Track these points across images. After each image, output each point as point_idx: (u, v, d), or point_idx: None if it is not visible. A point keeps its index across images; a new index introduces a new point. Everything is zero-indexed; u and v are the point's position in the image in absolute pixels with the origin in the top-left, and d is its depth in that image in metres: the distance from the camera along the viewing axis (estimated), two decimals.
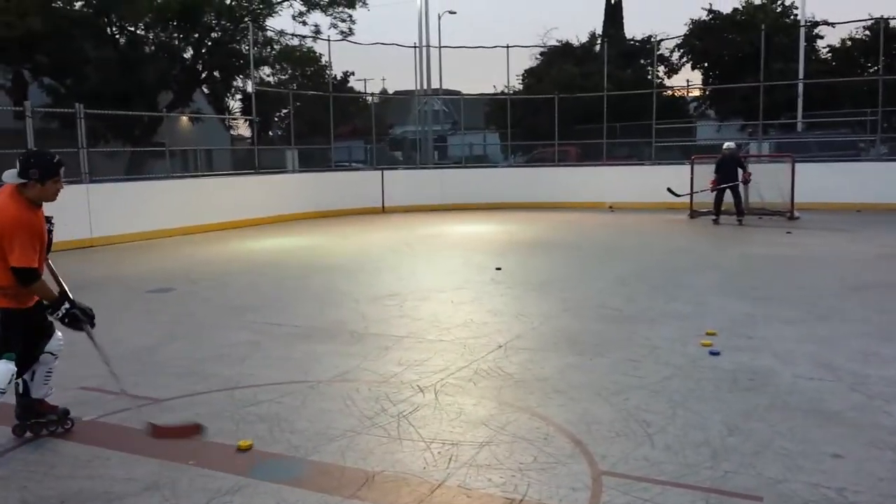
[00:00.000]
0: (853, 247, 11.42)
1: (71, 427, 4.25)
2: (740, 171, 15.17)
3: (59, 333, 4.16)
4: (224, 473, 3.65)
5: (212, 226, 15.13)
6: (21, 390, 4.10)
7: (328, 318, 7.14)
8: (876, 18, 22.05)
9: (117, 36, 23.95)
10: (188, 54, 25.31)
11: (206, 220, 15.06)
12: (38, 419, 4.17)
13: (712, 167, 15.76)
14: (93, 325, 4.05)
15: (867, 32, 24.61)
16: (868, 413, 4.32)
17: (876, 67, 22.29)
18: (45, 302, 3.93)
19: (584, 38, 30.96)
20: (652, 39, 26.29)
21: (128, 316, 7.29)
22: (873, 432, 4.02)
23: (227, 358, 5.74)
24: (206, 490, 3.48)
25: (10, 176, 3.82)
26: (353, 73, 29.89)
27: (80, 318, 3.97)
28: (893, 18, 22.36)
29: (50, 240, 4.01)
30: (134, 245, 12.98)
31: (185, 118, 26.55)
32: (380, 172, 20.32)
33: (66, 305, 3.94)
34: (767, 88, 20.96)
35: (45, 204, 3.95)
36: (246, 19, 23.10)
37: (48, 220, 3.99)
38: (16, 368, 3.83)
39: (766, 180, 15.24)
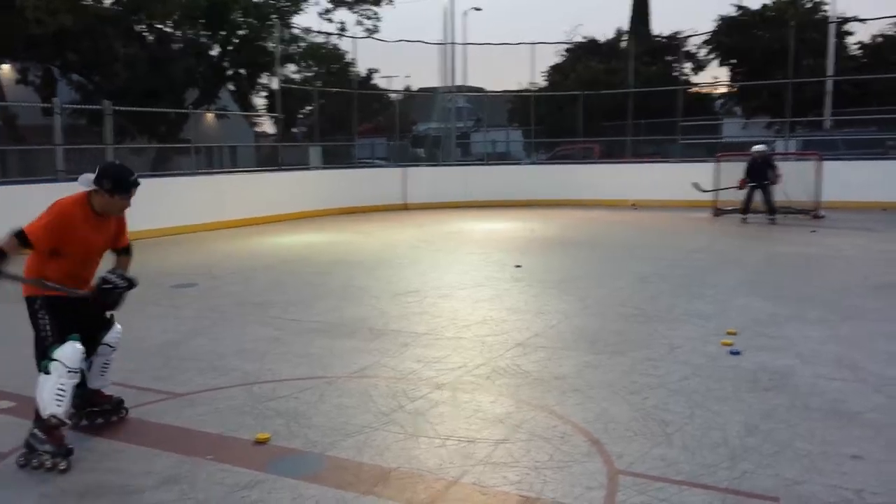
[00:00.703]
0: (879, 246, 11.25)
1: (125, 416, 4.37)
2: (770, 173, 14.97)
3: (118, 326, 4.26)
4: (242, 468, 3.69)
5: (235, 222, 15.27)
6: (79, 381, 4.13)
7: (348, 314, 7.18)
8: None
9: (145, 34, 24.21)
10: (215, 52, 25.52)
11: (229, 216, 15.20)
12: (93, 408, 4.27)
13: (737, 165, 15.60)
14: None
15: None
16: (889, 414, 4.27)
17: None
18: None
19: (611, 35, 30.79)
20: (679, 35, 26.09)
21: (152, 311, 7.38)
22: (894, 434, 3.97)
23: (248, 353, 5.80)
24: (223, 484, 3.52)
25: (85, 180, 3.92)
26: (377, 71, 29.94)
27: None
28: None
29: (111, 296, 4.05)
30: (158, 240, 13.13)
31: (210, 115, 26.79)
32: (402, 169, 20.36)
33: None
34: (796, 85, 20.68)
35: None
36: (273, 17, 23.24)
37: (111, 287, 4.01)
38: (82, 347, 3.84)
39: (792, 178, 15.03)
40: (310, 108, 24.86)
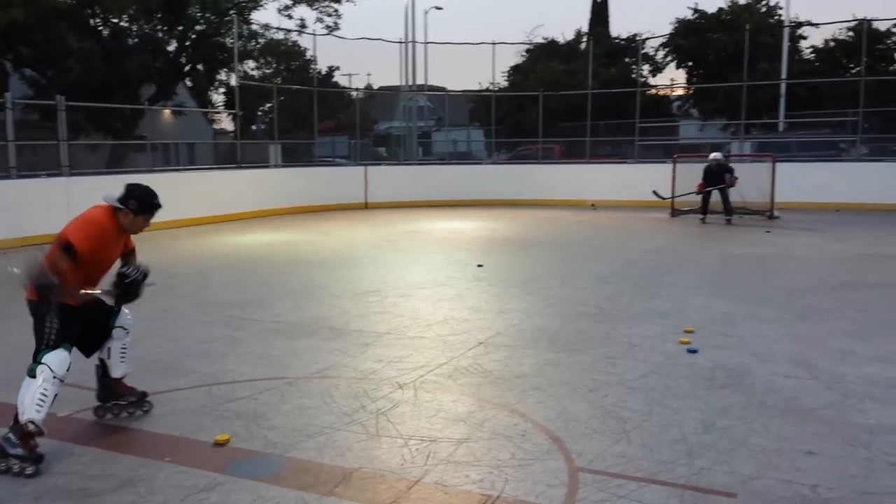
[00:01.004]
0: (832, 246, 11.53)
1: (149, 410, 4.41)
2: (727, 176, 15.27)
3: (126, 310, 4.29)
4: (201, 470, 3.63)
5: (193, 220, 15.04)
6: (101, 372, 4.27)
7: (309, 314, 7.12)
8: (859, 20, 22.24)
9: (100, 28, 23.73)
10: (172, 47, 25.13)
11: (186, 215, 14.95)
12: (118, 401, 4.31)
13: (695, 166, 15.90)
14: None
15: (850, 33, 24.81)
16: (843, 411, 4.37)
17: (858, 68, 22.47)
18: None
19: (571, 36, 31.06)
20: (637, 38, 26.41)
21: None
22: (847, 430, 4.07)
23: (207, 354, 5.71)
24: (182, 487, 3.46)
25: (111, 198, 4.01)
26: (338, 68, 29.73)
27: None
28: (876, 20, 22.57)
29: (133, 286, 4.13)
30: None
31: (167, 111, 26.37)
32: (363, 168, 20.27)
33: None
34: (750, 88, 21.11)
35: None
36: (231, 12, 22.95)
37: (130, 282, 4.11)
38: (69, 360, 3.80)
39: (747, 180, 15.36)
40: (269, 105, 24.63)
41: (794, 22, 25.56)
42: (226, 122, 33.31)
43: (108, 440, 4.02)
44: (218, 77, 27.03)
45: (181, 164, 21.80)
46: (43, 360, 3.70)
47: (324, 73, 28.70)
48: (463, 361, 5.44)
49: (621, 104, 23.01)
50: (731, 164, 15.75)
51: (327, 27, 25.53)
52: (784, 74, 24.04)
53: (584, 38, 30.13)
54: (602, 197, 19.33)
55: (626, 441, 3.95)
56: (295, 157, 21.53)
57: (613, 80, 25.49)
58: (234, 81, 21.44)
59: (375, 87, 33.26)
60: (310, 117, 20.77)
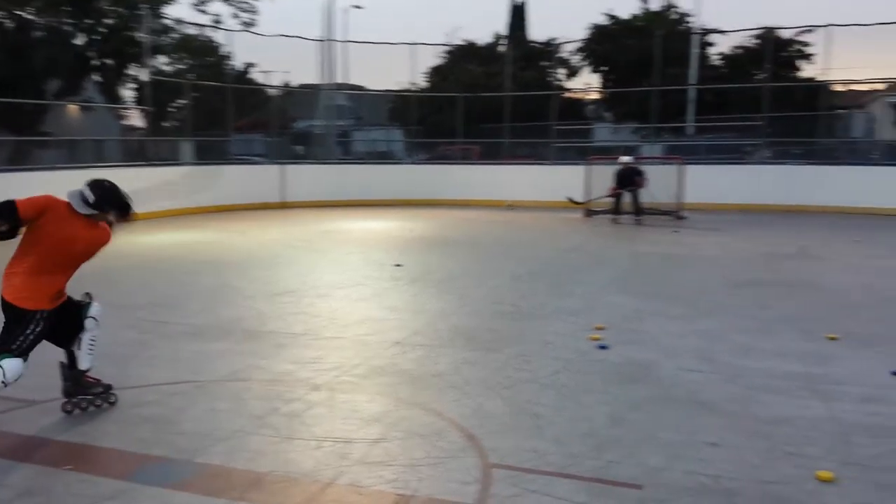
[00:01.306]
0: (737, 245, 12.03)
1: (115, 402, 4.44)
2: (637, 178, 15.73)
3: (96, 302, 4.34)
4: (104, 478, 3.51)
5: None
6: (67, 365, 4.29)
7: (221, 315, 6.96)
8: (764, 28, 23.28)
9: (4, 20, 22.55)
10: (80, 41, 24.11)
11: None
12: (85, 395, 4.34)
13: (609, 168, 16.32)
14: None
15: (756, 41, 25.89)
16: (744, 403, 4.57)
17: (763, 75, 23.51)
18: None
19: (490, 39, 31.32)
20: (554, 42, 26.88)
21: None
22: (748, 422, 4.25)
23: (112, 358, 5.48)
24: (83, 496, 3.33)
25: (76, 201, 3.95)
26: (254, 65, 29.11)
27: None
28: (780, 28, 23.61)
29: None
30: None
31: (74, 107, 25.28)
32: (281, 167, 19.95)
33: None
34: (661, 93, 21.81)
35: None
36: (142, 6, 22.18)
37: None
38: (22, 371, 3.83)
39: (657, 181, 15.87)
40: (182, 101, 23.92)
41: (703, 29, 26.51)
42: (136, 119, 32.19)
43: (5, 448, 3.83)
44: (128, 72, 26.06)
45: (88, 161, 20.91)
46: (2, 363, 3.74)
47: (240, 69, 28.09)
48: (379, 361, 5.43)
49: (538, 107, 23.39)
50: (641, 167, 16.24)
51: (244, 23, 25.01)
52: (693, 80, 24.92)
53: (503, 42, 30.45)
54: (519, 197, 19.60)
55: (539, 436, 4.02)
56: (209, 154, 20.98)
57: (531, 82, 25.86)
58: (145, 77, 20.68)
59: (294, 84, 32.74)
60: (225, 114, 20.29)
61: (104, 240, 4.14)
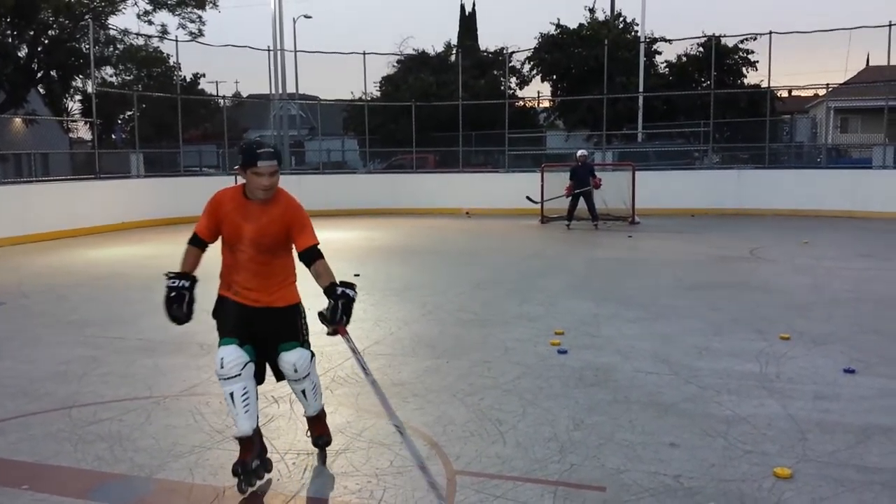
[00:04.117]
0: (688, 249, 12.27)
1: None
2: (591, 179, 15.92)
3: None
4: (62, 497, 3.42)
5: (47, 234, 14.09)
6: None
7: (174, 330, 6.72)
8: (708, 36, 23.84)
9: None
10: (22, 52, 23.53)
11: (40, 229, 14.01)
12: None
13: (562, 175, 16.52)
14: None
15: (701, 49, 26.49)
16: (701, 404, 4.65)
17: (708, 82, 24.05)
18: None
19: (440, 48, 31.46)
20: (504, 51, 27.12)
21: None
22: (705, 422, 4.33)
23: (64, 375, 5.36)
24: None
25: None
26: (203, 76, 28.81)
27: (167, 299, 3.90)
28: (724, 36, 24.17)
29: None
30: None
31: (18, 120, 24.65)
32: (233, 178, 19.67)
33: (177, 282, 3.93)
34: (610, 101, 22.18)
35: None
36: (87, 17, 21.77)
37: None
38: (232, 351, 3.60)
39: (610, 187, 16.11)
40: (130, 113, 23.50)
41: (650, 38, 27.04)
42: (83, 131, 31.50)
43: None
44: (73, 84, 25.54)
45: (34, 175, 20.40)
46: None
47: (188, 80, 27.74)
48: (340, 372, 5.39)
49: (491, 115, 23.58)
50: (595, 169, 16.46)
51: (191, 33, 24.73)
52: (641, 88, 25.39)
53: (454, 51, 30.62)
54: (476, 205, 19.71)
55: (502, 442, 4.03)
56: (159, 166, 20.64)
57: (483, 91, 26.07)
58: (90, 88, 20.28)
59: (245, 95, 32.45)
60: (174, 125, 19.99)
61: (289, 220, 3.85)
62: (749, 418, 4.35)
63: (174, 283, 3.81)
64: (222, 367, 3.52)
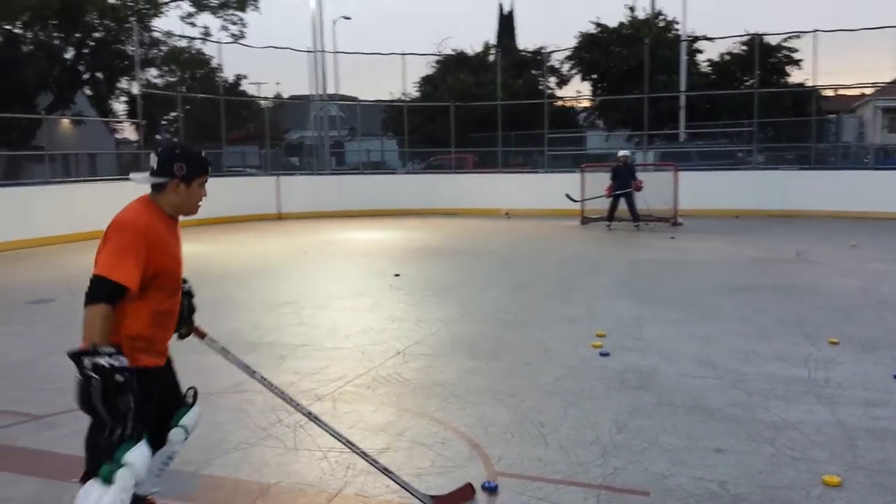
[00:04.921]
0: (732, 250, 12.07)
1: None
2: (632, 181, 15.79)
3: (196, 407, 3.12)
4: None
5: (95, 234, 14.29)
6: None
7: (221, 327, 6.90)
8: (751, 34, 23.43)
9: None
10: (69, 55, 24.11)
11: (88, 228, 14.28)
12: None
13: (602, 175, 16.40)
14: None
15: (744, 47, 26.05)
16: (747, 409, 4.57)
17: (752, 81, 23.64)
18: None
19: (479, 48, 31.45)
20: (543, 51, 27.00)
21: (5, 328, 6.86)
22: (752, 427, 4.25)
23: None
24: None
25: (142, 177, 2.85)
26: (245, 77, 29.21)
27: (119, 387, 2.51)
28: (768, 34, 23.76)
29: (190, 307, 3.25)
30: (11, 254, 12.22)
31: (66, 121, 25.29)
32: (275, 178, 19.95)
33: (102, 361, 2.51)
34: (651, 100, 21.92)
35: None
36: (131, 19, 22.22)
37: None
38: (150, 452, 2.66)
39: (651, 188, 15.93)
40: (174, 114, 23.92)
41: (691, 36, 26.67)
42: (129, 132, 32.16)
43: (10, 462, 3.81)
44: (119, 85, 26.08)
45: (82, 175, 20.92)
46: (124, 460, 2.52)
47: (231, 81, 28.15)
48: (382, 371, 5.42)
49: (530, 115, 23.49)
50: (636, 170, 16.31)
51: (233, 35, 25.06)
52: (683, 87, 25.05)
53: (493, 51, 30.59)
54: (515, 206, 19.64)
55: (544, 444, 4.01)
56: None
57: (522, 91, 26.00)
58: (135, 90, 20.69)
59: (285, 96, 32.80)
60: (217, 126, 20.30)
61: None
62: (797, 424, 4.27)
63: (120, 362, 2.51)
64: (134, 477, 2.54)
